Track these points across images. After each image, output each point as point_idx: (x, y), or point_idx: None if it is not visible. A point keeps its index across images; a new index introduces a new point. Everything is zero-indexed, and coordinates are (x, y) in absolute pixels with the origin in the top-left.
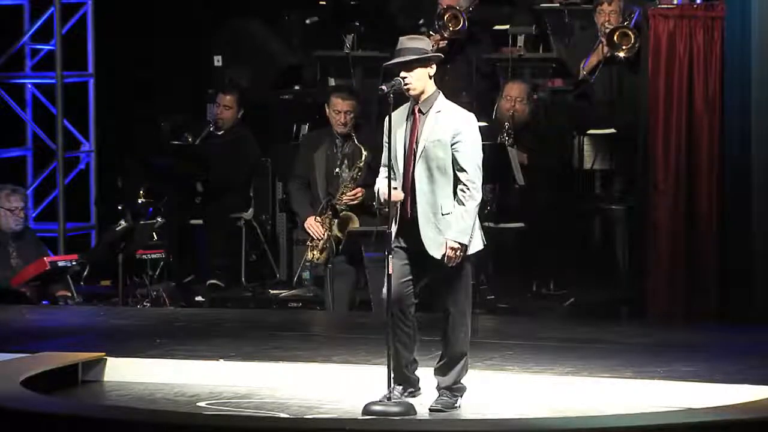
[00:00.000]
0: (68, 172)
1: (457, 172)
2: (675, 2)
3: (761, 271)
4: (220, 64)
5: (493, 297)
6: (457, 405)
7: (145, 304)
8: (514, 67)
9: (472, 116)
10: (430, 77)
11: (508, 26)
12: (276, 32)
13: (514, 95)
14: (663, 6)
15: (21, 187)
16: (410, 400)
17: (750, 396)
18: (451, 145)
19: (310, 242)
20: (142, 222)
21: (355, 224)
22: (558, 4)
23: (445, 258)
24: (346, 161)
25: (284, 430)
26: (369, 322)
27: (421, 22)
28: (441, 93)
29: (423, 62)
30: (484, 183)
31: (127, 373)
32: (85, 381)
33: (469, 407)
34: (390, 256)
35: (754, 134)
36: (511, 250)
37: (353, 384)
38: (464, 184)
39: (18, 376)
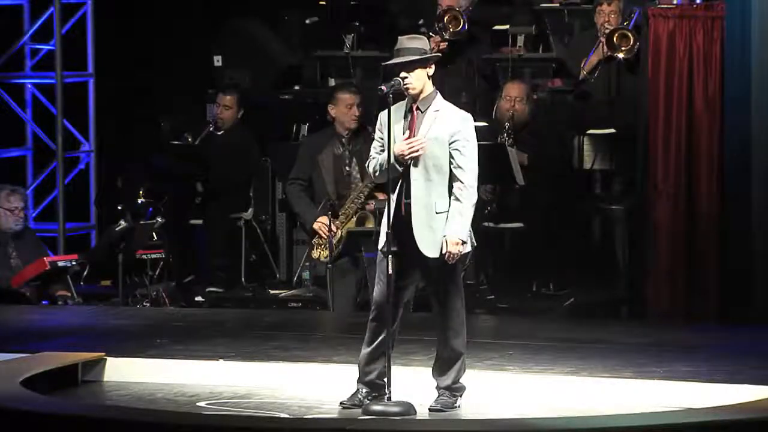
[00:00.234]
0: (68, 172)
1: (454, 170)
2: (675, 2)
3: (761, 271)
4: (220, 64)
5: (493, 297)
6: (457, 405)
7: (145, 304)
8: (514, 67)
9: (469, 117)
10: (429, 77)
11: (508, 26)
12: (276, 32)
13: (514, 95)
14: (663, 6)
15: (21, 187)
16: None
17: (750, 396)
18: (450, 144)
19: (317, 240)
20: (142, 222)
21: (371, 224)
22: (558, 4)
23: (446, 255)
24: (354, 159)
25: (284, 430)
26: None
27: (420, 22)
28: (438, 93)
29: (423, 62)
30: (484, 183)
31: (127, 373)
32: (85, 381)
33: (469, 407)
34: (390, 256)
35: (754, 134)
36: (511, 250)
37: (353, 384)
38: (462, 182)
39: (18, 376)
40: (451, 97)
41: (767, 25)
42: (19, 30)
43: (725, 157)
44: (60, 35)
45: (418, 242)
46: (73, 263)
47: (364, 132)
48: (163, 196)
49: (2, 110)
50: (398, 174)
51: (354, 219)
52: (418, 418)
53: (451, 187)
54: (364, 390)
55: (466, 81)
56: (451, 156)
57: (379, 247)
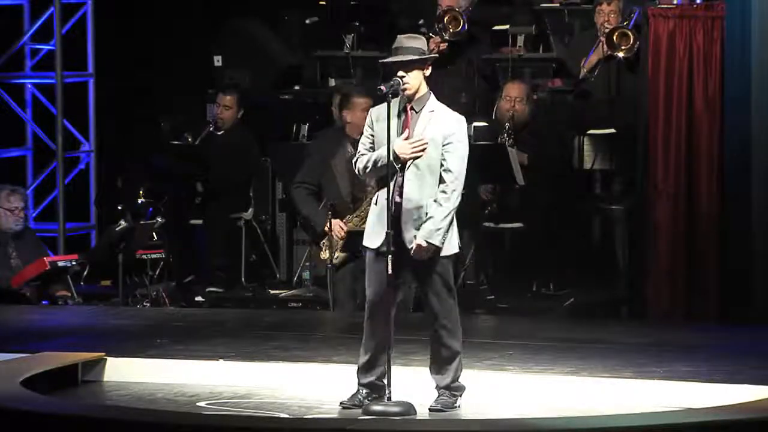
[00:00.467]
0: (68, 172)
1: (442, 172)
2: (675, 2)
3: (761, 271)
4: (220, 64)
5: (493, 297)
6: (457, 405)
7: (145, 304)
8: (514, 67)
9: (463, 119)
10: (425, 78)
11: (508, 26)
12: (276, 32)
13: (514, 95)
14: (663, 6)
15: (21, 187)
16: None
17: (750, 396)
18: (443, 145)
19: (328, 241)
20: (142, 222)
21: None
22: (558, 4)
23: (412, 252)
24: None
25: (284, 430)
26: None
27: (421, 22)
28: (432, 93)
29: (421, 63)
30: (484, 183)
31: (127, 373)
32: (85, 381)
33: (469, 407)
34: (390, 256)
35: (754, 134)
36: (511, 250)
37: (353, 384)
38: (446, 186)
39: (18, 376)
40: (451, 97)
41: (767, 25)
42: (19, 30)
43: (725, 157)
44: (60, 35)
45: (407, 243)
46: (73, 263)
47: None
48: (163, 196)
49: (2, 110)
50: (397, 172)
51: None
52: (418, 418)
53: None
54: (365, 390)
55: (466, 81)
56: (442, 157)
57: (370, 246)
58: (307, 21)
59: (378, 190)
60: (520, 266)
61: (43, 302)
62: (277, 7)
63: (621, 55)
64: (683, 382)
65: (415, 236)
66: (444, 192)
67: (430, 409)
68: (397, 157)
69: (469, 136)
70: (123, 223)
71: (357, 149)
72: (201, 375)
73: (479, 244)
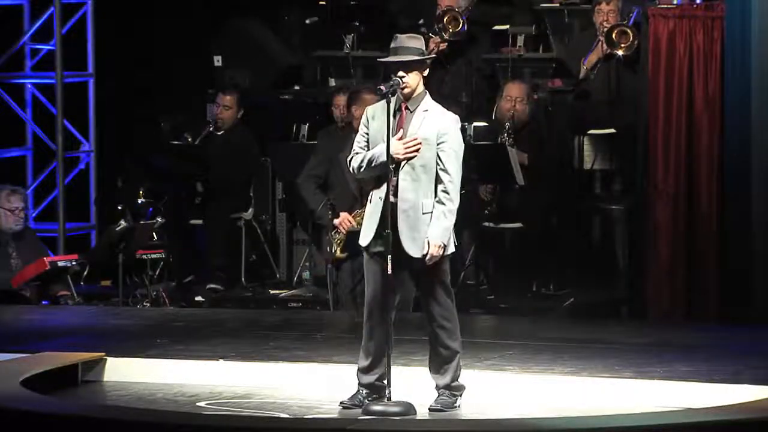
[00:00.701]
0: (68, 172)
1: (439, 172)
2: (675, 2)
3: (761, 271)
4: (220, 64)
5: (493, 297)
6: (457, 405)
7: (145, 304)
8: (514, 67)
9: (457, 118)
10: (424, 78)
11: (508, 26)
12: (276, 32)
13: (514, 95)
14: (663, 6)
15: (21, 187)
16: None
17: (750, 396)
18: (437, 145)
19: (335, 234)
20: (142, 222)
21: None
22: (558, 4)
23: (427, 257)
24: None
25: (284, 430)
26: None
27: (420, 22)
28: (428, 93)
29: (420, 63)
30: (484, 183)
31: (127, 373)
32: (85, 381)
33: (469, 407)
34: (389, 256)
35: (754, 134)
36: (511, 250)
37: (353, 384)
38: (445, 185)
39: (18, 376)
40: (451, 97)
41: (767, 25)
42: (19, 30)
43: (725, 157)
44: (60, 35)
45: (403, 242)
46: (73, 263)
47: None
48: (163, 196)
49: (2, 110)
50: (385, 172)
51: None
52: (418, 418)
53: (437, 188)
54: (365, 390)
55: (466, 81)
56: (437, 157)
57: (362, 244)
58: (307, 21)
59: (373, 189)
60: (520, 266)
61: (43, 302)
62: (277, 7)
63: (620, 53)
64: (683, 382)
65: (414, 238)
66: (445, 192)
67: (430, 409)
68: (391, 157)
69: (469, 136)
70: (123, 223)
71: None
72: (201, 375)
73: (479, 244)
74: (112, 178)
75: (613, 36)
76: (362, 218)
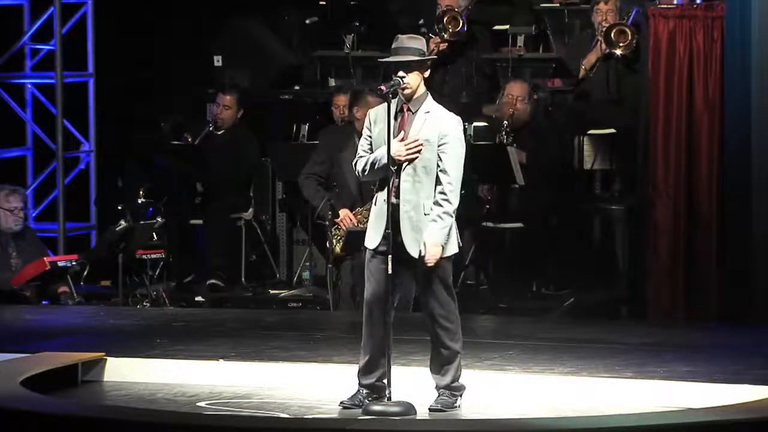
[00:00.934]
0: (68, 172)
1: (439, 173)
2: (675, 2)
3: (761, 271)
4: (220, 64)
5: (493, 297)
6: (457, 405)
7: (145, 304)
8: (514, 67)
9: (459, 120)
10: (424, 79)
11: (508, 26)
12: (276, 32)
13: (515, 94)
14: (663, 6)
15: (20, 187)
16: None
17: (750, 396)
18: (438, 146)
19: (336, 231)
20: (142, 222)
21: None
22: (558, 4)
23: (426, 257)
24: None
25: (284, 430)
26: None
27: (421, 22)
28: (429, 94)
29: (421, 64)
30: (484, 183)
31: (127, 373)
32: (85, 381)
33: (469, 407)
34: (390, 256)
35: (754, 134)
36: (511, 250)
37: (353, 384)
38: (443, 187)
39: (18, 376)
40: (451, 97)
41: (767, 25)
42: (19, 30)
43: (725, 157)
44: (60, 35)
45: (405, 243)
46: (73, 263)
47: None
48: (163, 196)
49: (2, 110)
50: (388, 174)
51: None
52: (418, 418)
53: (437, 189)
54: (365, 390)
55: (466, 81)
56: (438, 158)
57: (369, 246)
58: (307, 21)
59: (378, 192)
60: (520, 266)
61: (43, 302)
62: (277, 7)
63: (619, 52)
64: (683, 382)
65: (416, 239)
66: (443, 193)
67: (430, 409)
68: (392, 159)
69: (469, 136)
70: (123, 223)
71: None
72: (201, 375)
73: (479, 244)
74: (112, 178)
75: (612, 35)
76: (363, 216)
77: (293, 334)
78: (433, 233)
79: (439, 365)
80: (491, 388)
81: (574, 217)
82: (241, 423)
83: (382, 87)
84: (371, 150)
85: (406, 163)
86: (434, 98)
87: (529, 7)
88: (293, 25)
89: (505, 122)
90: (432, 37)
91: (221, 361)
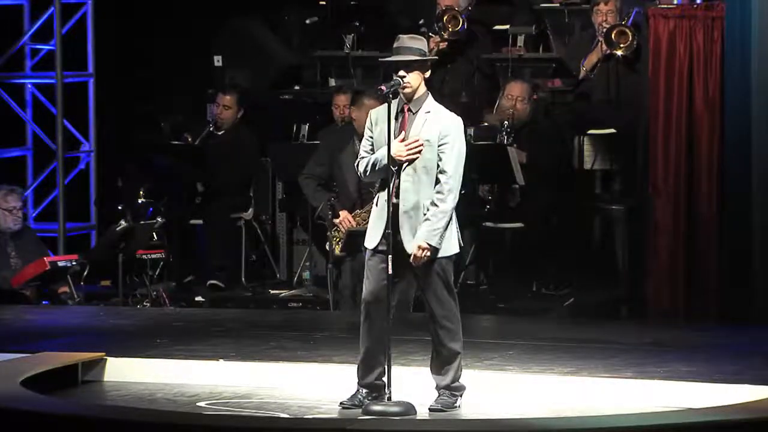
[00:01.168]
0: (68, 172)
1: (438, 174)
2: (675, 2)
3: (761, 271)
4: (220, 64)
5: (493, 297)
6: (457, 405)
7: (145, 304)
8: (514, 67)
9: (460, 120)
10: (425, 79)
11: (508, 26)
12: (276, 32)
13: (515, 94)
14: (663, 6)
15: (19, 186)
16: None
17: (750, 396)
18: (438, 146)
19: (336, 232)
20: (142, 222)
21: None
22: (558, 4)
23: (412, 257)
24: None
25: (284, 430)
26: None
27: (421, 22)
28: (430, 95)
29: (421, 64)
30: (483, 183)
31: (127, 373)
32: (85, 381)
33: (469, 407)
34: (390, 256)
35: (754, 134)
36: (511, 250)
37: (353, 384)
38: (441, 186)
39: (18, 376)
40: (451, 97)
41: (767, 25)
42: (19, 30)
43: (725, 157)
44: (60, 35)
45: (405, 243)
46: (73, 263)
47: None
48: (163, 196)
49: (2, 110)
50: (389, 174)
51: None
52: (418, 418)
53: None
54: (364, 390)
55: (466, 81)
56: (438, 158)
57: (369, 246)
58: (307, 21)
59: (378, 192)
60: (520, 266)
61: (43, 302)
62: (277, 7)
63: (620, 53)
64: (683, 382)
65: (410, 239)
66: (440, 193)
67: (430, 409)
68: (393, 159)
69: (469, 136)
70: (123, 223)
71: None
72: (201, 375)
73: (479, 244)
74: (112, 178)
75: (613, 36)
76: (362, 218)
77: (293, 334)
78: (423, 232)
79: (439, 365)
80: (491, 388)
81: (574, 217)
82: (241, 423)
83: (383, 87)
84: (372, 151)
85: (407, 163)
86: (435, 98)
87: (529, 7)
88: (293, 25)
89: (506, 122)
90: (432, 36)
91: (221, 361)
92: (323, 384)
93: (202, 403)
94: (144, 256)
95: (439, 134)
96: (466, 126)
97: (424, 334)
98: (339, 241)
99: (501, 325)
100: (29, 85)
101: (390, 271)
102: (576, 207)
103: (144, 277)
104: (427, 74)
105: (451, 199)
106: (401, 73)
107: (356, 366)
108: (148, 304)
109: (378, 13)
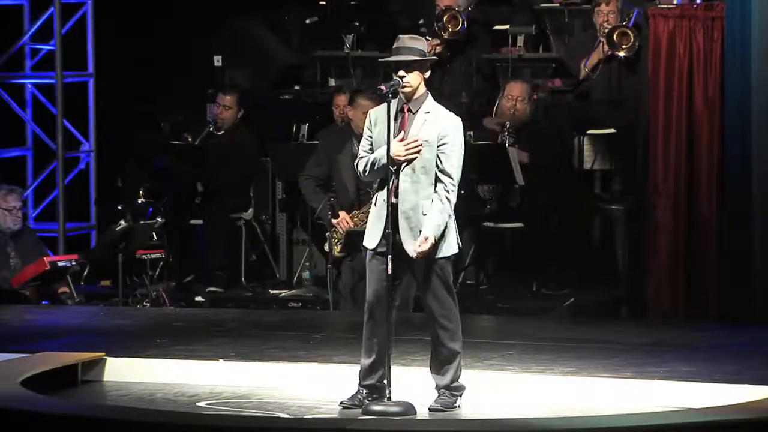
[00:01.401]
0: (68, 172)
1: (438, 173)
2: (675, 2)
3: (761, 271)
4: (220, 64)
5: (493, 297)
6: (457, 405)
7: (145, 304)
8: (514, 67)
9: (459, 120)
10: (425, 79)
11: (508, 26)
12: (276, 32)
13: (515, 94)
14: (663, 6)
15: (19, 187)
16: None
17: (750, 396)
18: (438, 146)
19: (334, 233)
20: (142, 222)
21: None
22: (558, 4)
23: (416, 250)
24: None
25: (284, 430)
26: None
27: (421, 22)
28: (430, 95)
29: (421, 64)
30: (484, 183)
31: (127, 373)
32: (85, 381)
33: (469, 407)
34: (389, 256)
35: (754, 134)
36: (511, 250)
37: (353, 384)
38: (442, 185)
39: (18, 376)
40: (451, 97)
41: (767, 25)
42: (19, 30)
43: (725, 157)
44: (60, 35)
45: (404, 243)
46: (73, 263)
47: None
48: (163, 196)
49: (2, 110)
50: (388, 174)
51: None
52: (418, 418)
53: (436, 188)
54: (365, 390)
55: (466, 81)
56: (437, 158)
57: (369, 246)
58: (307, 21)
59: (377, 192)
60: (520, 266)
61: (43, 302)
62: (277, 7)
63: (622, 54)
64: (683, 382)
65: (414, 239)
66: (445, 190)
67: (430, 409)
68: (391, 159)
69: (469, 136)
70: (123, 223)
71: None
72: (201, 375)
73: (479, 244)
74: (112, 178)
75: (614, 37)
76: (360, 219)
77: (293, 334)
78: (428, 227)
79: (439, 365)
80: (491, 388)
81: (574, 217)
82: (241, 423)
83: (382, 87)
84: (372, 150)
85: (405, 163)
86: (434, 98)
87: (529, 7)
88: (293, 25)
89: (507, 123)
90: (429, 40)
91: (221, 361)
92: (323, 384)
93: (202, 403)
94: (144, 256)
95: (438, 134)
96: (465, 129)
97: (424, 334)
98: (338, 242)
99: (501, 325)
100: (29, 85)
101: (390, 272)
102: (576, 207)
103: (144, 277)
104: (427, 74)
105: (454, 197)
106: (401, 73)
107: (357, 366)
108: (148, 304)
109: (378, 13)
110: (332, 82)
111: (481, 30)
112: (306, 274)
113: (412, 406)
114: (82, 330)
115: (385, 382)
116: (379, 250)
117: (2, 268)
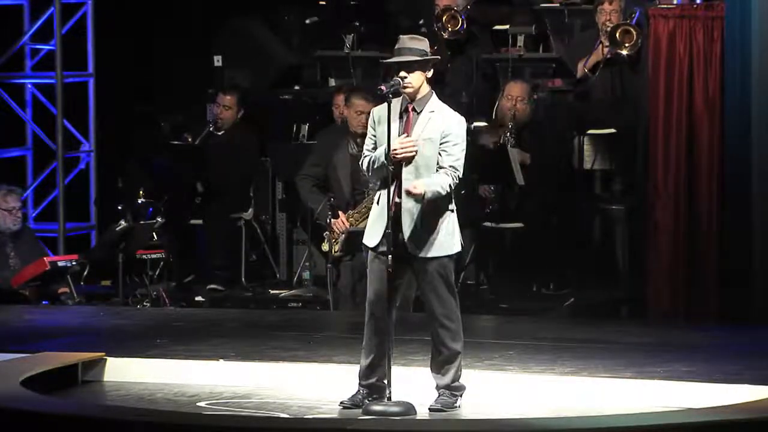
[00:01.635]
0: (68, 172)
1: (439, 170)
2: (675, 2)
3: (761, 271)
4: (220, 64)
5: (493, 297)
6: (457, 405)
7: (145, 304)
8: (514, 67)
9: (462, 119)
10: (427, 78)
11: (508, 26)
12: (276, 32)
13: (515, 95)
14: (663, 6)
15: (18, 187)
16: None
17: (750, 396)
18: (440, 144)
19: (330, 234)
20: (142, 222)
21: None
22: (558, 4)
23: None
24: None
25: (284, 430)
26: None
27: (421, 22)
28: (434, 94)
29: (423, 64)
30: (484, 183)
31: (127, 373)
32: (85, 381)
33: (469, 407)
34: (390, 256)
35: (754, 134)
36: (511, 250)
37: (353, 384)
38: (445, 169)
39: (18, 376)
40: (451, 97)
41: (767, 25)
42: (19, 30)
43: (725, 157)
44: (60, 35)
45: (407, 242)
46: (73, 263)
47: None
48: (163, 196)
49: (2, 110)
50: (390, 173)
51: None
52: (418, 418)
53: None
54: (365, 390)
55: (466, 81)
56: (439, 155)
57: (369, 244)
58: (307, 21)
59: (379, 190)
60: (520, 266)
61: (43, 302)
62: (277, 7)
63: (625, 52)
64: (683, 382)
65: (417, 234)
66: (454, 169)
67: (430, 409)
68: (389, 158)
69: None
70: (123, 223)
71: (358, 146)
72: (201, 375)
73: (479, 244)
74: (112, 178)
75: (617, 35)
76: (355, 219)
77: (293, 334)
78: (424, 182)
79: (439, 365)
80: (491, 388)
81: (574, 217)
82: (241, 423)
83: (383, 87)
84: (375, 149)
85: (404, 161)
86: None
87: (529, 7)
88: (293, 25)
89: (510, 124)
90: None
91: (221, 361)
92: (323, 384)
93: (202, 403)
94: (144, 256)
95: (441, 132)
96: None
97: (424, 334)
98: (335, 242)
99: (501, 325)
100: (29, 85)
101: (390, 271)
102: (576, 207)
103: (144, 277)
104: (430, 74)
105: (455, 178)
106: (402, 74)
107: (357, 366)
108: (148, 304)
109: (378, 13)
110: (332, 82)
111: (481, 30)
112: (306, 274)
113: (412, 406)
114: (82, 330)
115: (385, 382)
116: (380, 249)
117: (2, 268)
